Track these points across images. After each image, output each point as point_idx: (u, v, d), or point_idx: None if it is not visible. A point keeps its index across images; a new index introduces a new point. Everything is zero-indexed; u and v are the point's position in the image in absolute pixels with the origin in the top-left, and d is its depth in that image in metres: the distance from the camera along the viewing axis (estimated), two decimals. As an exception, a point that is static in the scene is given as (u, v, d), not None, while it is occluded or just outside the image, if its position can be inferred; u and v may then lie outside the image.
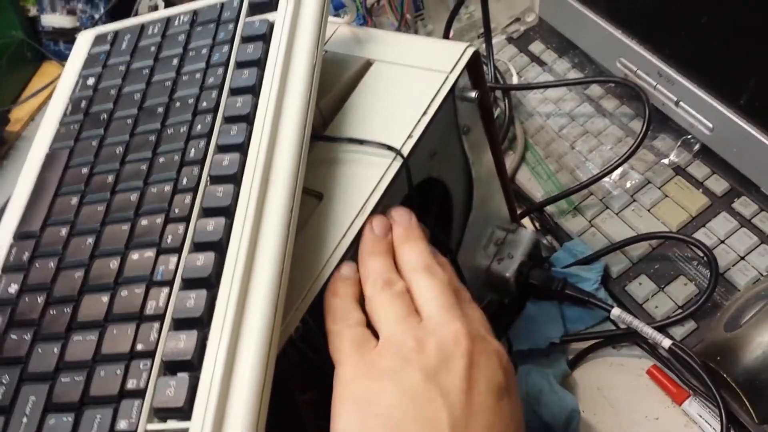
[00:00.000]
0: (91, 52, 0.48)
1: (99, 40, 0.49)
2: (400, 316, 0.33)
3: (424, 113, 0.43)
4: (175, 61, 0.44)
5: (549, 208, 0.62)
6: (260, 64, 0.42)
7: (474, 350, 0.31)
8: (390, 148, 0.41)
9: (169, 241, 0.34)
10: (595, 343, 0.53)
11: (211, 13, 0.46)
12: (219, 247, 0.33)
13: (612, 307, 0.52)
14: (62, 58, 0.82)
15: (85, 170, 0.40)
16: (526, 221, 0.63)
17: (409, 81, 0.46)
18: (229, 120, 0.39)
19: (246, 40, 0.43)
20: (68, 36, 0.82)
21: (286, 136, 0.38)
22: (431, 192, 0.48)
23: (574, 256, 0.57)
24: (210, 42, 0.44)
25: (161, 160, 0.39)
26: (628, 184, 0.61)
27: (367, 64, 0.48)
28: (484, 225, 0.54)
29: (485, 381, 0.31)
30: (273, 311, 0.32)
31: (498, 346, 0.33)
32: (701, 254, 0.54)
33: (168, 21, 0.47)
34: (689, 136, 0.61)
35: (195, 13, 0.47)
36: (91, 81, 0.46)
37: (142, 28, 0.48)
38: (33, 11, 0.82)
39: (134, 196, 0.37)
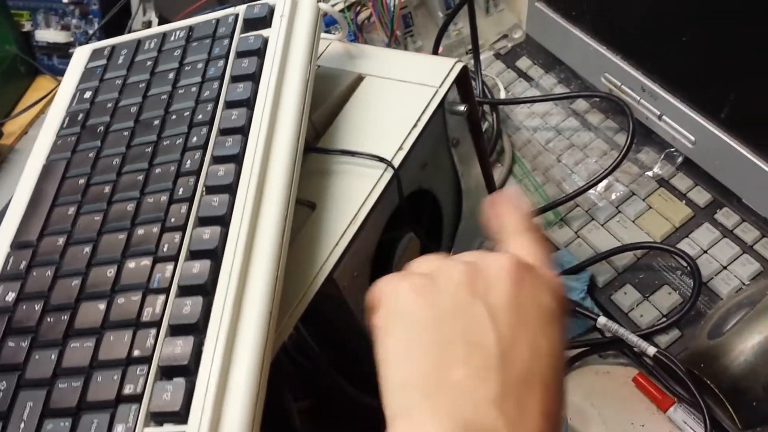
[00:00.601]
0: (88, 66, 0.49)
1: (96, 54, 0.50)
2: (443, 258, 0.33)
3: (415, 126, 0.44)
4: (171, 75, 0.45)
5: (536, 220, 0.63)
6: (255, 78, 0.43)
7: (522, 274, 0.31)
8: (381, 159, 0.42)
9: (165, 249, 0.35)
10: (582, 352, 0.54)
11: (207, 28, 0.47)
12: (214, 255, 0.34)
13: (598, 315, 0.53)
14: (56, 72, 0.83)
15: (82, 181, 0.41)
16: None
17: (399, 95, 0.47)
18: (224, 132, 0.40)
19: (241, 55, 0.44)
20: (62, 51, 0.83)
21: (280, 148, 0.39)
22: (421, 203, 0.49)
23: (561, 266, 0.58)
24: (205, 57, 0.45)
25: (157, 170, 0.40)
26: (613, 196, 0.62)
27: (359, 79, 0.49)
28: (473, 235, 0.55)
29: (533, 303, 0.30)
30: (268, 318, 0.33)
31: (550, 275, 0.32)
32: (685, 264, 0.55)
33: (164, 36, 0.48)
34: (672, 149, 0.63)
35: (191, 28, 0.48)
36: (88, 94, 0.47)
37: (139, 43, 0.49)
38: (27, 26, 0.83)
39: (131, 206, 0.38)
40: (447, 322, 0.30)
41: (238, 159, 0.38)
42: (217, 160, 0.39)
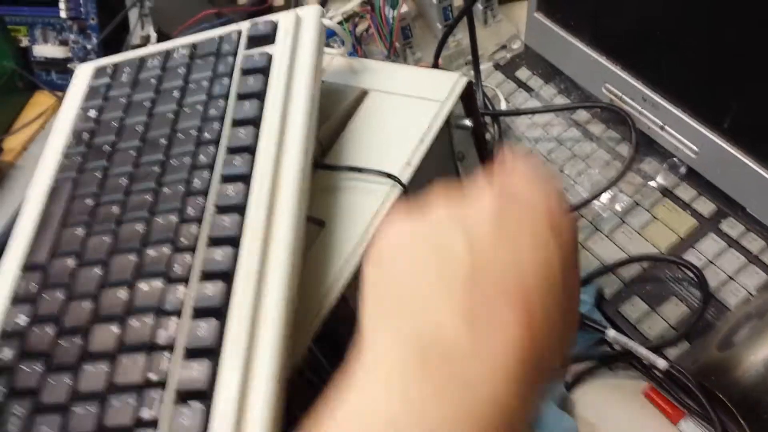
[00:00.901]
0: (92, 84, 0.49)
1: (99, 72, 0.50)
2: None
3: (421, 141, 0.44)
4: (176, 93, 0.45)
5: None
6: (261, 95, 0.43)
7: (506, 199, 0.29)
8: (389, 175, 0.42)
9: (177, 270, 0.35)
10: (592, 365, 0.54)
11: (210, 46, 0.47)
12: (227, 276, 0.34)
13: (606, 328, 0.53)
14: (54, 87, 0.83)
15: (90, 201, 0.41)
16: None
17: (405, 110, 0.47)
18: (232, 151, 0.40)
19: (246, 72, 0.44)
20: (60, 66, 0.82)
21: (289, 166, 0.39)
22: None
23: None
24: (210, 74, 0.45)
25: (166, 190, 0.40)
26: (618, 207, 0.62)
27: (363, 94, 0.49)
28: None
29: (520, 227, 0.28)
30: (283, 338, 0.32)
31: (548, 205, 0.29)
32: (691, 275, 0.55)
33: (167, 54, 0.48)
34: (675, 159, 0.63)
35: (194, 46, 0.48)
36: (92, 113, 0.47)
37: (142, 61, 0.49)
38: (24, 42, 0.83)
39: (140, 227, 0.38)
40: (423, 244, 0.28)
41: (247, 178, 0.38)
42: (226, 179, 0.39)
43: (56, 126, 0.48)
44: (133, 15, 0.79)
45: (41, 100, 0.82)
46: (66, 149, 0.45)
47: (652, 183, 0.63)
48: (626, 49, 0.64)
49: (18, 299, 0.37)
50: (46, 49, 0.81)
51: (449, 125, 0.48)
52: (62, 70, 0.82)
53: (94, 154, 0.44)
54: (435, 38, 0.80)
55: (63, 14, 0.80)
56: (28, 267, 0.38)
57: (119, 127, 0.45)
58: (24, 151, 0.76)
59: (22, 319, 0.35)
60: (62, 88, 0.81)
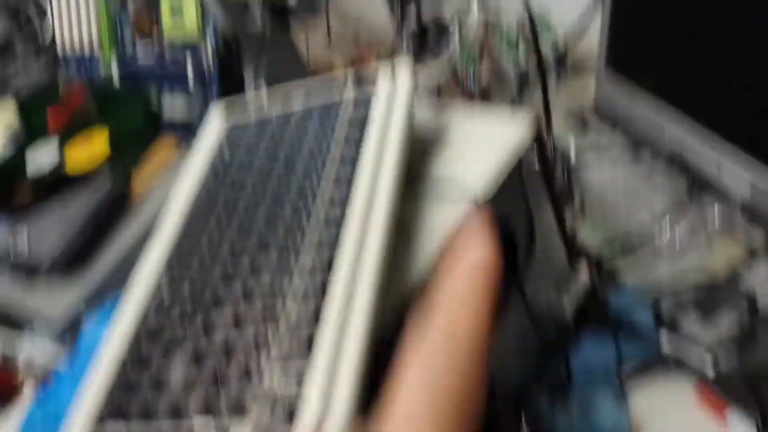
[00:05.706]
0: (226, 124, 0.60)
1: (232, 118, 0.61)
2: None
3: (498, 169, 0.52)
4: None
5: (605, 252, 0.70)
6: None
7: None
8: (469, 194, 0.50)
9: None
10: (648, 371, 0.59)
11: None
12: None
13: (663, 335, 0.58)
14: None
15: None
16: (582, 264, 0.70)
17: (482, 143, 0.55)
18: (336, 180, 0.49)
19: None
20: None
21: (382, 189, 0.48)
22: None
23: (628, 293, 0.64)
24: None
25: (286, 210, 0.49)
26: (679, 231, 0.68)
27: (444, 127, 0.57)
28: (545, 269, 0.61)
29: None
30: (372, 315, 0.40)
31: None
32: (744, 300, 0.60)
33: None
34: (731, 194, 0.68)
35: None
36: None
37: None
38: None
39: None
40: None
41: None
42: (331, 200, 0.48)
43: (188, 167, 0.58)
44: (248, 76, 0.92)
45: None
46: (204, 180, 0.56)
47: (712, 212, 0.69)
48: (684, 93, 0.70)
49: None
50: (175, 112, 0.94)
51: (520, 161, 0.55)
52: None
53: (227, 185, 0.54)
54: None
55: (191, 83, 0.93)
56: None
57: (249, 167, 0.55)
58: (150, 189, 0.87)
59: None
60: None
